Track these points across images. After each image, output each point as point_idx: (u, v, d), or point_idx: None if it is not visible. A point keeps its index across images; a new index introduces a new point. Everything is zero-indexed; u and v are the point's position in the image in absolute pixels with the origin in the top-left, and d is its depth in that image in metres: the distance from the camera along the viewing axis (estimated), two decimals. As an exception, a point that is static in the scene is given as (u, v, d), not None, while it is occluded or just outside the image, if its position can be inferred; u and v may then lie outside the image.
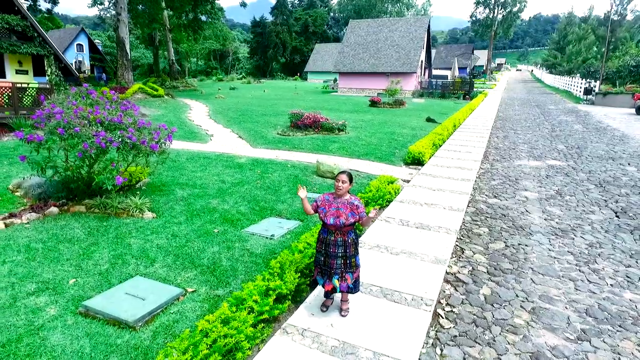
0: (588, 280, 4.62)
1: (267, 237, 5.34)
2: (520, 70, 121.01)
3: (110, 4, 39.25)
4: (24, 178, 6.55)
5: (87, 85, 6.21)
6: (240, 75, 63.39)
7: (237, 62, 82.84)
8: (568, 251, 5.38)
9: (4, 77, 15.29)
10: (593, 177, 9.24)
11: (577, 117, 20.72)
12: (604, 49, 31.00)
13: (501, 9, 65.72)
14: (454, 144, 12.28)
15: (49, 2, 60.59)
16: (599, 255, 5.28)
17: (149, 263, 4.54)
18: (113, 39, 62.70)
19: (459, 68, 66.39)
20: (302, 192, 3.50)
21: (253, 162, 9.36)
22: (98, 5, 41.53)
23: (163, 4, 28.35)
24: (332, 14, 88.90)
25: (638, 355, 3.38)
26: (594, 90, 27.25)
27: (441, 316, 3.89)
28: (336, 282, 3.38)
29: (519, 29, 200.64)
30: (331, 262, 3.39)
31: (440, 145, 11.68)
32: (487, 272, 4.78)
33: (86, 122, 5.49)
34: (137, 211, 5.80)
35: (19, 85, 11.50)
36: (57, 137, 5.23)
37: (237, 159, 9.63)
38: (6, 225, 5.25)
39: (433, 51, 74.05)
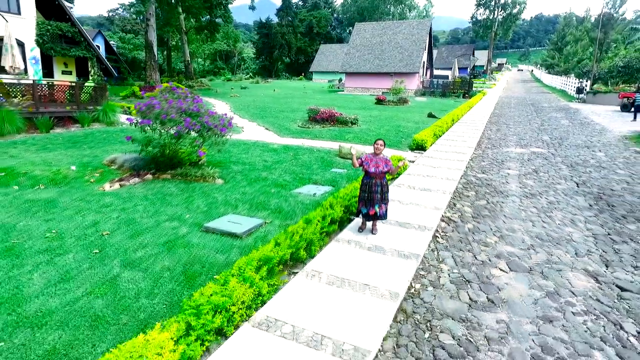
0: (542, 221, 6.52)
1: (310, 195, 7.24)
2: (522, 70, 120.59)
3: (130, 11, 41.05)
4: (126, 153, 8.48)
5: (171, 84, 8.14)
6: (248, 75, 65.26)
7: (243, 62, 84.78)
8: (533, 206, 7.28)
9: (52, 77, 17.22)
10: (567, 160, 11.12)
11: (566, 113, 22.55)
12: (595, 50, 32.76)
13: (501, 10, 67.46)
14: (452, 135, 14.18)
15: (64, 5, 62.61)
16: (555, 208, 7.18)
17: (233, 207, 6.47)
18: (124, 39, 64.79)
19: (460, 68, 68.11)
20: (354, 150, 5.43)
21: (284, 148, 11.29)
22: (134, 15, 43.28)
23: (180, 9, 30.24)
24: (335, 15, 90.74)
25: (563, 256, 5.28)
26: (585, 90, 29.05)
27: (438, 237, 5.80)
28: (377, 208, 5.30)
29: (521, 29, 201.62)
30: (373, 196, 5.29)
31: (440, 136, 13.58)
32: (471, 216, 6.69)
33: (175, 110, 7.42)
34: (211, 178, 7.73)
35: (80, 84, 13.45)
36: (160, 121, 7.15)
37: (270, 145, 11.56)
38: (121, 186, 7.19)
39: (435, 52, 75.93)
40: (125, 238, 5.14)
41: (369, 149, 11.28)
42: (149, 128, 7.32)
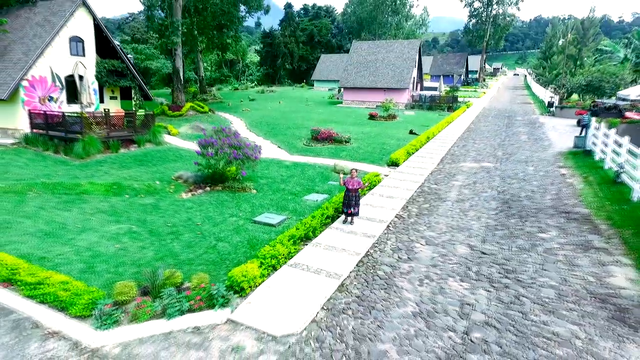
0: (459, 218, 10.43)
1: (314, 201, 11.20)
2: (518, 74, 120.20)
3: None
4: (188, 172, 12.44)
5: (223, 126, 12.09)
6: (254, 83, 69.25)
7: (247, 69, 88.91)
8: (459, 207, 11.21)
9: (103, 102, 21.16)
10: (503, 173, 15.01)
11: (531, 128, 26.41)
12: (564, 69, 36.62)
13: (492, 21, 71.47)
14: (423, 152, 18.11)
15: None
16: (472, 209, 11.09)
17: (266, 209, 10.42)
18: (137, 50, 69.09)
19: (452, 75, 72.22)
20: (341, 175, 9.42)
21: (294, 164, 15.24)
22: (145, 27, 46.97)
23: (197, 34, 34.11)
24: (335, 24, 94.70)
25: (460, 237, 9.21)
26: (555, 104, 32.95)
27: (390, 227, 9.75)
28: (352, 209, 9.25)
29: (519, 32, 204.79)
30: (350, 202, 9.24)
31: (413, 153, 17.51)
32: (415, 214, 10.62)
33: (226, 145, 11.37)
34: (249, 189, 11.70)
35: (133, 113, 17.43)
36: (216, 153, 11.11)
37: (284, 162, 15.53)
38: (192, 195, 11.16)
39: (430, 59, 80.00)
40: (211, 226, 9.12)
41: (357, 165, 15.29)
42: (211, 159, 11.27)
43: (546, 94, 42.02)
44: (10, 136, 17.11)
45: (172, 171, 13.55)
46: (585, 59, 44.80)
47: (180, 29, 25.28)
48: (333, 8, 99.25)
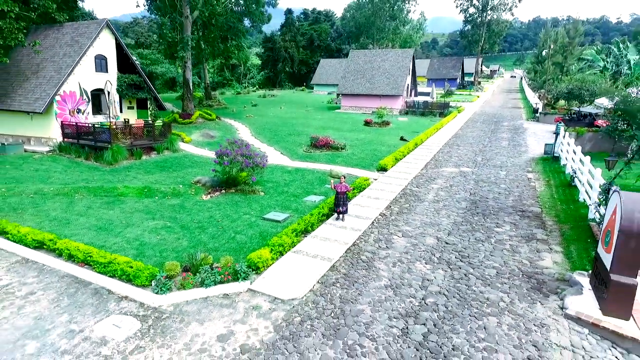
0: (432, 215, 12.61)
1: (312, 202, 13.37)
2: (515, 76, 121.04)
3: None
4: (213, 176, 14.62)
5: (239, 141, 14.27)
6: (255, 87, 71.47)
7: (248, 72, 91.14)
8: (433, 207, 13.38)
9: (122, 112, 23.33)
10: (478, 177, 17.18)
11: (514, 134, 28.55)
12: (547, 77, 38.73)
13: (487, 27, 73.71)
14: (410, 158, 20.29)
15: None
16: (444, 208, 13.27)
17: (273, 208, 12.61)
18: (142, 55, 71.36)
19: (450, 79, 74.45)
20: (332, 181, 11.62)
21: (296, 169, 17.43)
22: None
23: (204, 47, 36.23)
24: (334, 28, 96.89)
25: (430, 231, 11.40)
26: (539, 110, 35.12)
27: (374, 223, 11.93)
28: (342, 208, 11.45)
29: (518, 32, 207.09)
30: (339, 202, 11.44)
31: (401, 159, 19.68)
32: (396, 212, 12.80)
33: (239, 155, 13.55)
34: (258, 192, 13.89)
35: (151, 123, 19.64)
36: (230, 161, 13.28)
37: (286, 168, 17.71)
38: (211, 197, 13.34)
39: (427, 62, 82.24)
40: (229, 222, 11.31)
41: (350, 170, 17.47)
42: (226, 166, 13.45)
43: (533, 99, 44.19)
44: (45, 144, 19.31)
45: (191, 176, 15.75)
46: (573, 67, 47.02)
47: (190, 44, 27.49)
48: (333, 13, 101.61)
